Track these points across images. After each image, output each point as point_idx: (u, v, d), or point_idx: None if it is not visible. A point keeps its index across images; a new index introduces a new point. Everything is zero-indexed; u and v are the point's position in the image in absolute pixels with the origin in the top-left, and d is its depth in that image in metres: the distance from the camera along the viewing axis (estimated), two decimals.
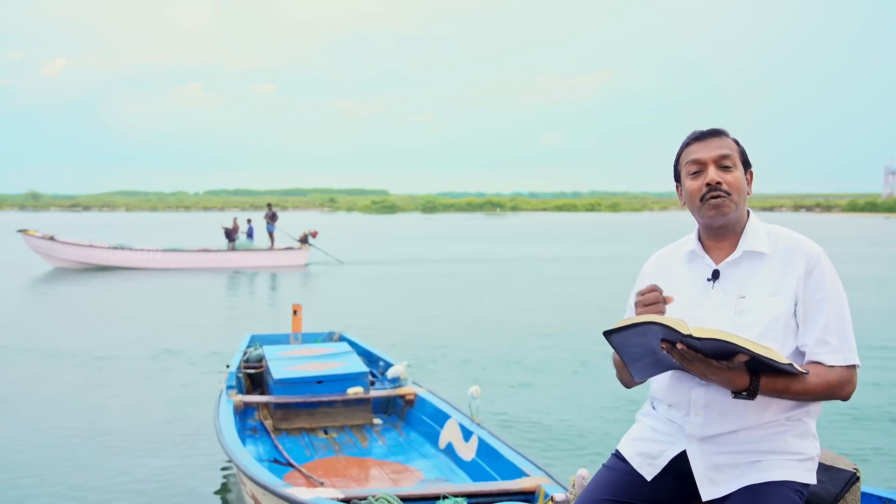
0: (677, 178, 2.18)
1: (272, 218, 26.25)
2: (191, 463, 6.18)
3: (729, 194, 2.04)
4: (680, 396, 2.06)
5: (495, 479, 4.55)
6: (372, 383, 6.60)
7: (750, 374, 1.89)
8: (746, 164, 2.12)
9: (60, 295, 18.32)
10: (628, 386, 2.19)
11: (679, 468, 2.06)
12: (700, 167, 2.08)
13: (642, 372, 2.05)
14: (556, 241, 37.18)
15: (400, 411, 6.30)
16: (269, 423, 6.07)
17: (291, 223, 32.28)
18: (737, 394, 1.91)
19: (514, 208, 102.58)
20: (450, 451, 5.37)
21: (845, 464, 2.17)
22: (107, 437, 6.83)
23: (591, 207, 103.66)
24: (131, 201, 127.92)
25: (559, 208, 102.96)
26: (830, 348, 1.98)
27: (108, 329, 13.19)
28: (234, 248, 25.44)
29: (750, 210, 2.14)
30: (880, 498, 2.39)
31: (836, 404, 5.57)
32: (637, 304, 2.03)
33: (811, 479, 2.02)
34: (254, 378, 6.96)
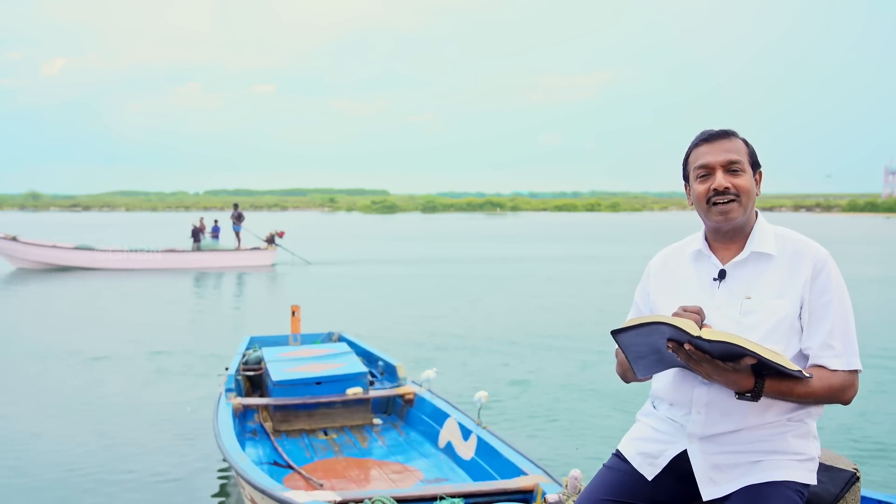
0: (686, 178, 2.19)
1: (238, 218, 26.11)
2: (190, 467, 6.16)
3: (737, 198, 2.05)
4: (682, 395, 2.07)
5: (494, 478, 4.55)
6: (371, 383, 6.60)
7: (755, 376, 1.90)
8: (755, 165, 2.12)
9: (28, 295, 18.06)
10: (627, 381, 2.21)
11: (680, 468, 2.06)
12: (708, 171, 2.08)
13: (645, 369, 2.06)
14: (556, 241, 37.14)
15: (399, 411, 6.29)
16: (268, 426, 6.07)
17: (264, 223, 31.80)
18: (741, 395, 1.92)
19: (514, 208, 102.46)
20: (449, 450, 5.37)
21: (845, 464, 2.17)
22: (105, 442, 6.80)
23: (591, 207, 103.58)
24: (131, 201, 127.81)
25: (559, 208, 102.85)
26: (834, 352, 1.99)
27: (79, 330, 13.12)
28: (199, 249, 25.12)
29: (758, 211, 2.14)
30: (880, 502, 2.39)
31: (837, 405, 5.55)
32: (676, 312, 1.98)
33: (812, 479, 2.02)
34: (253, 380, 6.95)
